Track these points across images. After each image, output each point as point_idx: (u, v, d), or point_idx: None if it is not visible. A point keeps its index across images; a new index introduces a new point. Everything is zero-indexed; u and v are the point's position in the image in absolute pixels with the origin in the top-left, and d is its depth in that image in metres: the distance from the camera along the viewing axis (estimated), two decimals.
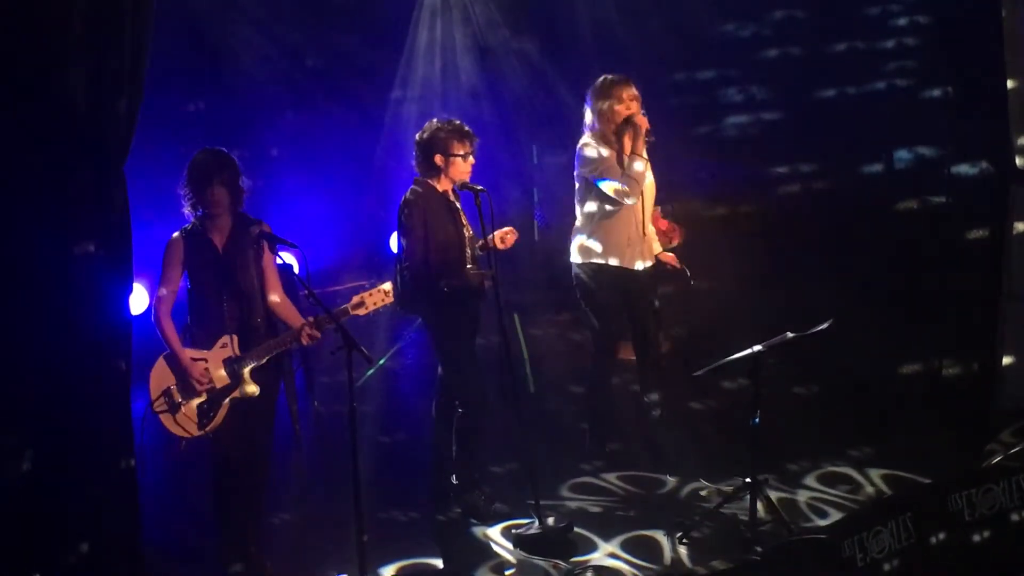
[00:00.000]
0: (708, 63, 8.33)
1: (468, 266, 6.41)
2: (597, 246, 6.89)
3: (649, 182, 6.91)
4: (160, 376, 5.66)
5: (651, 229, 7.04)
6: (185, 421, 5.64)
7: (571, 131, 7.04)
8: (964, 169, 7.31)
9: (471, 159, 6.40)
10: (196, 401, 5.64)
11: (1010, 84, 7.01)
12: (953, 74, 7.29)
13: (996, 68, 6.96)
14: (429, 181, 6.41)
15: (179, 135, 7.08)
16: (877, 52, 7.76)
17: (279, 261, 5.67)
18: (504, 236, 6.50)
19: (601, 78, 6.85)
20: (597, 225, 6.89)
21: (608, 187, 6.76)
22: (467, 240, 6.43)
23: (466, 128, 6.40)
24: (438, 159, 6.35)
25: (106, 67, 4.66)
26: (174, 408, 5.64)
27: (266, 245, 5.67)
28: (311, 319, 5.65)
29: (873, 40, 7.77)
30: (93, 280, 4.71)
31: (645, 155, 6.79)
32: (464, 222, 6.46)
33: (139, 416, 5.39)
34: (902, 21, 7.67)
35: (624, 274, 6.91)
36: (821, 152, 8.07)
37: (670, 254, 7.07)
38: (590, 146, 6.81)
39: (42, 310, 4.61)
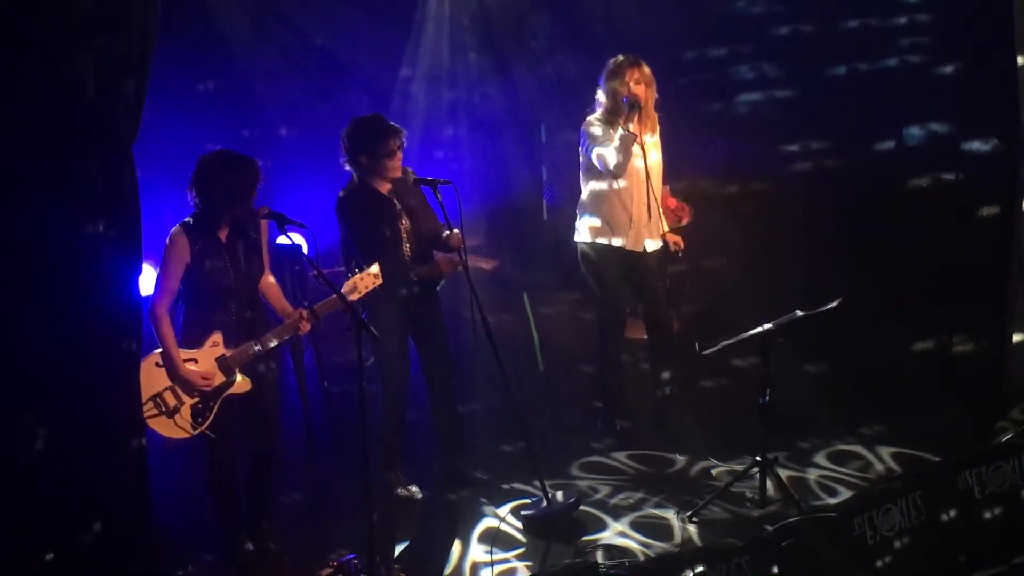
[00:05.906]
0: (719, 40, 8.29)
1: (407, 258, 6.26)
2: (602, 226, 6.87)
3: (655, 161, 6.88)
4: (145, 381, 5.45)
5: (662, 209, 7.01)
6: (182, 423, 5.59)
7: (580, 109, 7.01)
8: (976, 146, 7.26)
9: (398, 155, 6.18)
10: (190, 402, 5.61)
11: (1021, 61, 6.95)
12: (965, 50, 7.24)
13: (1007, 44, 6.90)
14: (362, 178, 6.26)
15: (188, 115, 7.09)
16: (889, 29, 7.70)
17: (288, 241, 5.66)
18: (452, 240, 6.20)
19: (612, 59, 6.81)
20: (601, 204, 6.86)
21: (595, 154, 6.72)
22: (405, 235, 6.27)
23: (390, 124, 6.19)
24: (363, 160, 6.18)
25: (114, 47, 4.64)
26: (170, 412, 5.58)
27: (263, 227, 5.67)
28: (304, 311, 5.64)
29: (885, 16, 7.72)
30: (102, 260, 4.69)
31: (642, 131, 6.74)
32: (399, 214, 6.27)
33: None
34: None
35: (630, 255, 6.89)
36: (832, 129, 8.03)
37: (676, 235, 7.04)
38: (593, 125, 6.79)
39: (52, 290, 4.60)
